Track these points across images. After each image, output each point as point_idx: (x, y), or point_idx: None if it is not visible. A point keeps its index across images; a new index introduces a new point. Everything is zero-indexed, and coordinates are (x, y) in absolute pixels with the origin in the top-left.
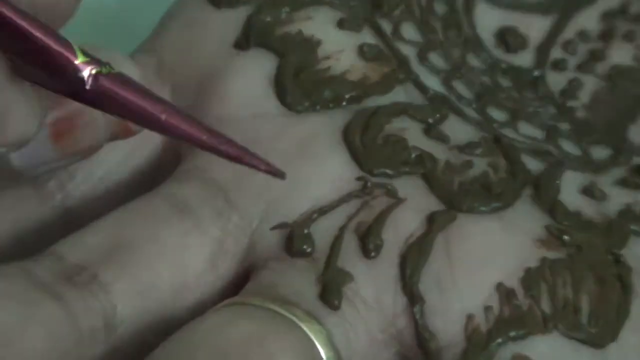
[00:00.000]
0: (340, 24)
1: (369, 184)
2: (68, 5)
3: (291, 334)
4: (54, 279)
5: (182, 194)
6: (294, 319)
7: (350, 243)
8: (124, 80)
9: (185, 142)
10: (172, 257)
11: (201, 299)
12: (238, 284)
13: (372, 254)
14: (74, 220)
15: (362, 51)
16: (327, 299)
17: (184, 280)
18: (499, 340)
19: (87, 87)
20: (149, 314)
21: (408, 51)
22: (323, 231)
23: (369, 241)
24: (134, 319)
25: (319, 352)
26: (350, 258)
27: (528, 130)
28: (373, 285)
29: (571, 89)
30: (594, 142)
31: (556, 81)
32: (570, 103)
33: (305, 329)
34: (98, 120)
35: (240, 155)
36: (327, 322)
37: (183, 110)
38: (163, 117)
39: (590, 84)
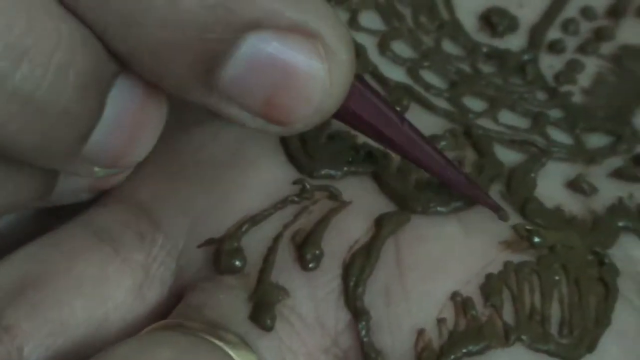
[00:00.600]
0: None
1: (307, 186)
2: None
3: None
4: None
5: (102, 219)
6: (221, 344)
7: (285, 254)
8: (366, 86)
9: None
10: (89, 290)
11: (127, 332)
12: (170, 312)
13: (311, 265)
14: None
15: None
16: (259, 319)
17: (103, 314)
18: (452, 356)
19: None
20: (63, 353)
21: (365, 41)
22: (255, 243)
23: (306, 251)
24: None
25: None
26: (285, 271)
27: (510, 119)
28: (312, 301)
29: (569, 71)
30: (591, 130)
31: (550, 64)
32: (566, 87)
33: (233, 355)
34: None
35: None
36: (260, 345)
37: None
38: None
39: (592, 66)
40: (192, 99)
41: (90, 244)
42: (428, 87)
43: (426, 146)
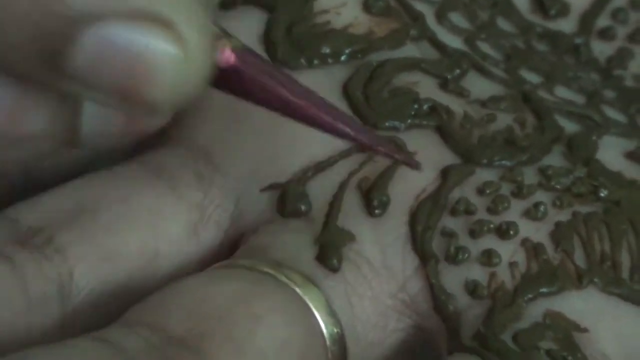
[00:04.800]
0: None
1: None
2: None
3: (282, 295)
4: (4, 241)
5: (160, 158)
6: (288, 281)
7: (352, 200)
8: (258, 58)
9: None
10: (143, 221)
11: (179, 269)
12: (224, 255)
13: (377, 211)
14: None
15: (367, 5)
16: (325, 260)
17: (156, 247)
18: (528, 295)
19: (221, 65)
20: (114, 282)
21: (423, 9)
22: (321, 189)
23: (373, 197)
24: (95, 287)
25: (316, 317)
26: (352, 216)
27: (566, 94)
28: (379, 246)
29: (620, 57)
30: None
31: (601, 50)
32: (618, 72)
33: (299, 292)
34: None
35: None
36: (325, 285)
37: (315, 93)
38: (303, 103)
39: None
40: (51, 87)
41: (146, 178)
42: (485, 56)
43: (331, 108)
